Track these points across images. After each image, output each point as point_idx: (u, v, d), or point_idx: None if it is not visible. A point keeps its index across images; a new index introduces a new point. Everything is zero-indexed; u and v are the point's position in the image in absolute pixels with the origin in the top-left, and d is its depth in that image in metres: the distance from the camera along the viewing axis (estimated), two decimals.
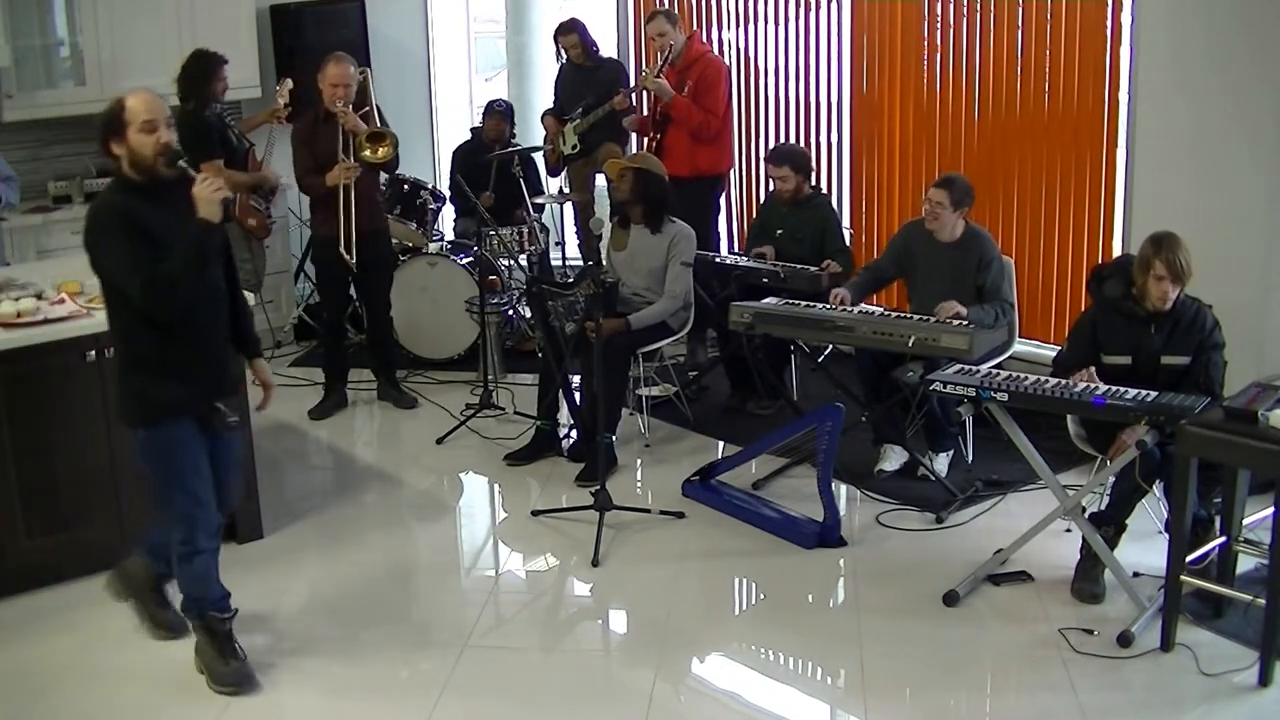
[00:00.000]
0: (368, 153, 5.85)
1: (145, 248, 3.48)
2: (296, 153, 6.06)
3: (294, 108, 6.55)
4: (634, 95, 7.04)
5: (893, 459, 5.36)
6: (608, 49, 7.42)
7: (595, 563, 4.61)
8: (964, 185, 5.26)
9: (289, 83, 6.58)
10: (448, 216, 7.73)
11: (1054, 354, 5.37)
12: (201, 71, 6.19)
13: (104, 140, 3.56)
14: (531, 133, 8.00)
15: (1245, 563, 4.14)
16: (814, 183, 6.15)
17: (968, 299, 5.15)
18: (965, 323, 4.98)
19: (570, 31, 7.08)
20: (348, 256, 5.93)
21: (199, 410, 3.70)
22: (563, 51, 7.16)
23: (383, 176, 6.38)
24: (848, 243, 6.32)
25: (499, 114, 7.35)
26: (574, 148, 7.14)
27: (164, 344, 3.61)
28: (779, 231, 5.99)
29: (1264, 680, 3.68)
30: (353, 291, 6.51)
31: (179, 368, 3.64)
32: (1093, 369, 4.26)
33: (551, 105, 7.38)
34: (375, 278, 6.28)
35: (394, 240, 6.61)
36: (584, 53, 7.11)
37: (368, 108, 5.98)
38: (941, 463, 5.28)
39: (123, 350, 3.70)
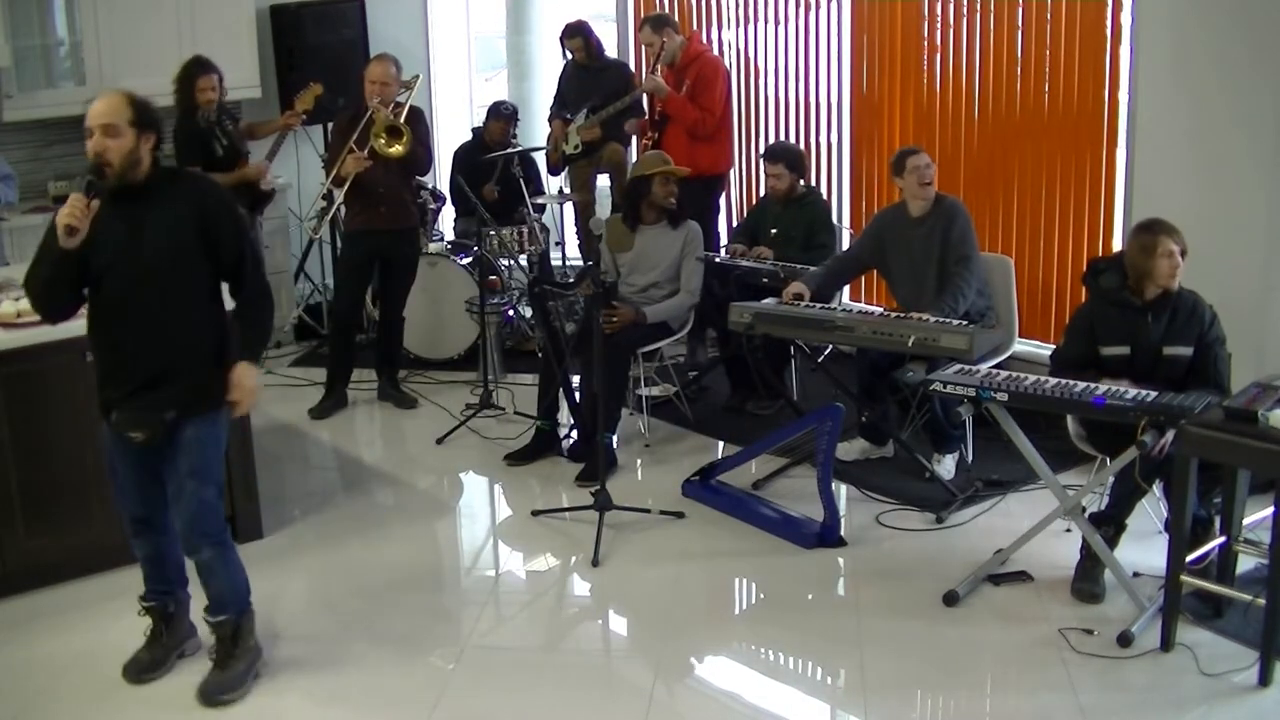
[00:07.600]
0: (382, 142, 5.86)
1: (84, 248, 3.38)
2: (332, 141, 6.30)
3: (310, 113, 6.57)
4: (642, 98, 7.05)
5: (851, 449, 5.42)
6: (609, 50, 7.42)
7: (595, 563, 4.61)
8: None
9: (317, 87, 6.50)
10: (448, 217, 7.73)
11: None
12: (185, 78, 6.19)
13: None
14: (532, 133, 8.00)
15: (1245, 563, 4.14)
16: (808, 182, 6.15)
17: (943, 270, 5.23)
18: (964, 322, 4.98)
19: (576, 34, 7.09)
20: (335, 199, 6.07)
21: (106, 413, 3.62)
22: (568, 52, 7.17)
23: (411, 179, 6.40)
24: (843, 241, 6.32)
25: (505, 117, 7.33)
26: (576, 148, 7.14)
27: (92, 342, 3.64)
28: (773, 230, 5.98)
29: (1264, 680, 3.68)
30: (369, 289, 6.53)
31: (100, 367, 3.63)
32: (1126, 381, 4.19)
33: (552, 104, 7.37)
34: (397, 276, 6.33)
35: None
36: (589, 54, 7.12)
37: (399, 110, 5.98)
38: (948, 464, 5.28)
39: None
